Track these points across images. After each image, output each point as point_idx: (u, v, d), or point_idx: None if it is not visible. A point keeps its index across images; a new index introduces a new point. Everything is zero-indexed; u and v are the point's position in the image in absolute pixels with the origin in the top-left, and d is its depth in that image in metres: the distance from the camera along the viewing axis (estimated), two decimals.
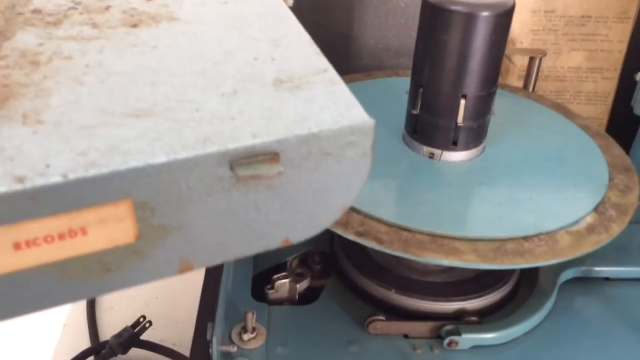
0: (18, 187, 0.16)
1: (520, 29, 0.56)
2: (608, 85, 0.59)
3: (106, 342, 0.56)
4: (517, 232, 0.36)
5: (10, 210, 0.17)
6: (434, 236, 0.36)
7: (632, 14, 0.56)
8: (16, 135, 0.18)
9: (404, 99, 0.44)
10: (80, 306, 0.63)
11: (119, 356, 0.57)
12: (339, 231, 0.36)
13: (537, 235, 0.36)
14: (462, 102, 0.40)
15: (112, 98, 0.20)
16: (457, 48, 0.39)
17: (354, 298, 0.44)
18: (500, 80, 0.52)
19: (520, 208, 0.38)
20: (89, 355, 0.57)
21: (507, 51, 0.56)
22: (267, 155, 0.19)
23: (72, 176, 0.17)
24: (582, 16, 0.56)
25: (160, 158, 0.18)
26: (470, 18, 0.38)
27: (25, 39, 0.25)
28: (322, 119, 0.20)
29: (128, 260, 0.19)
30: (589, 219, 0.38)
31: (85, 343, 0.59)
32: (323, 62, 0.24)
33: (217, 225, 0.19)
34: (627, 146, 0.52)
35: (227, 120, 0.19)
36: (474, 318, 0.42)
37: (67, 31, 0.26)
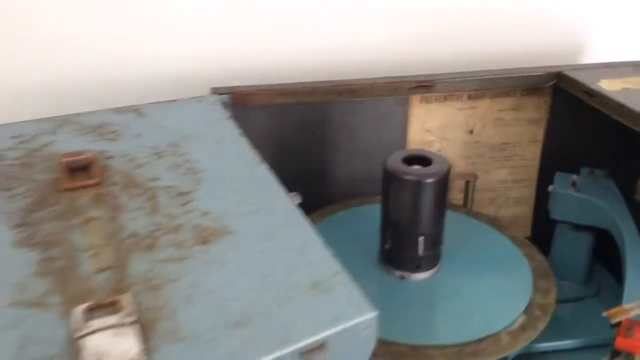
0: None
1: (456, 156, 0.72)
2: (529, 192, 0.75)
3: None
4: (472, 337, 0.50)
5: None
6: (413, 347, 0.49)
7: (540, 138, 0.72)
8: (175, 349, 0.31)
9: (375, 226, 0.58)
10: None
11: None
12: None
13: (487, 338, 0.50)
14: (421, 239, 0.55)
15: (216, 314, 0.33)
16: (412, 204, 0.53)
17: None
18: None
19: (472, 316, 0.52)
20: None
21: None
22: (319, 344, 0.32)
23: None
24: (502, 143, 0.72)
25: (265, 357, 0.31)
26: (419, 184, 0.53)
27: (138, 265, 0.38)
28: (349, 315, 0.33)
29: None
30: (521, 320, 0.52)
31: None
32: (337, 265, 0.37)
33: None
34: (549, 237, 0.68)
35: (291, 324, 0.33)
36: None
37: (163, 253, 0.38)
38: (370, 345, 0.35)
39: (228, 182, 0.47)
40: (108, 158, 0.49)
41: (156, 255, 0.39)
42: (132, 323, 0.32)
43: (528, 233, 0.77)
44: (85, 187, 0.45)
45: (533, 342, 0.60)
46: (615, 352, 0.49)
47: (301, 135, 0.68)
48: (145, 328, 0.33)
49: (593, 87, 0.63)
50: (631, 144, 0.69)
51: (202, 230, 0.41)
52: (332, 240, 0.62)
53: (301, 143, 0.68)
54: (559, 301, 0.67)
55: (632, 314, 0.48)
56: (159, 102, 0.59)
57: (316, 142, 0.69)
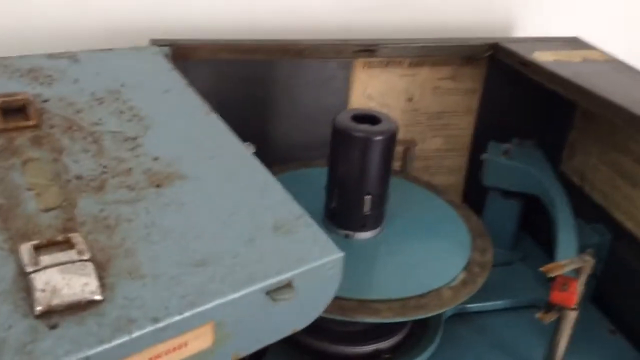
0: (154, 325, 0.28)
1: None
2: (461, 161, 0.77)
3: None
4: (415, 292, 0.51)
5: (148, 341, 0.28)
6: (360, 301, 0.50)
7: (475, 108, 0.75)
8: (133, 288, 0.29)
9: (318, 188, 0.58)
10: None
11: None
12: None
13: (429, 293, 0.51)
14: (367, 197, 0.55)
15: (178, 252, 0.32)
16: (359, 161, 0.54)
17: (295, 352, 0.56)
18: None
19: (415, 273, 0.54)
20: None
21: None
22: (286, 283, 0.31)
23: (185, 314, 0.28)
24: (439, 112, 0.74)
25: (228, 296, 0.30)
26: (367, 141, 0.53)
27: (88, 206, 0.35)
28: (313, 256, 0.33)
29: (206, 357, 0.30)
30: (462, 276, 0.54)
31: None
32: (298, 208, 0.37)
33: (258, 327, 0.31)
34: (479, 205, 0.70)
35: (257, 262, 0.32)
36: (387, 355, 0.56)
37: (114, 195, 0.36)
38: (335, 286, 0.35)
39: (177, 129, 0.45)
40: (44, 101, 0.46)
41: (107, 197, 0.36)
42: (85, 260, 0.30)
43: (459, 201, 0.79)
44: (21, 128, 0.42)
45: (465, 303, 0.63)
46: (549, 306, 0.52)
47: (242, 95, 0.67)
48: (100, 266, 0.31)
49: (528, 57, 0.65)
50: (560, 115, 0.73)
51: (155, 174, 0.39)
52: None
53: (241, 102, 0.67)
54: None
55: (567, 269, 0.50)
56: (94, 49, 0.56)
57: (257, 102, 0.68)
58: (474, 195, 0.74)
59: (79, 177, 0.38)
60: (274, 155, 0.70)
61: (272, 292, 0.31)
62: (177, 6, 0.69)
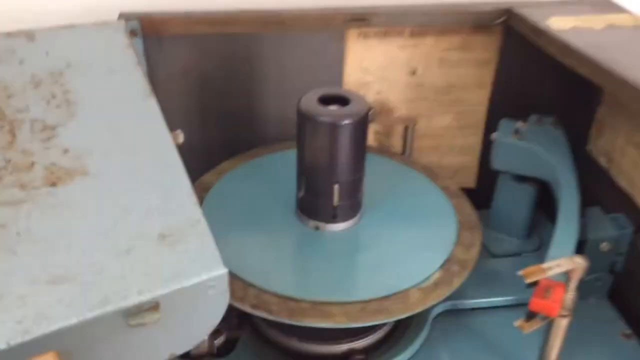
0: None
1: (397, 100, 0.66)
2: (475, 140, 0.70)
3: None
4: (378, 294, 0.46)
5: None
6: (313, 303, 0.45)
7: (489, 81, 0.67)
8: None
9: None
10: None
11: None
12: (237, 304, 0.45)
13: (394, 295, 0.46)
14: (336, 187, 0.50)
15: (38, 266, 0.29)
16: (327, 147, 0.48)
17: (265, 347, 0.53)
18: (385, 141, 0.63)
19: (383, 272, 0.48)
20: None
21: (387, 120, 0.67)
22: (151, 305, 0.28)
23: (13, 343, 0.25)
24: (447, 86, 0.67)
25: (72, 320, 0.26)
26: (333, 126, 0.47)
27: None
28: (192, 272, 0.29)
29: None
30: (436, 276, 0.48)
31: None
32: (197, 213, 0.33)
33: (120, 355, 0.28)
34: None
35: (120, 279, 0.28)
36: (359, 356, 0.52)
37: (2, 194, 0.34)
38: (221, 307, 0.30)
39: (105, 116, 0.42)
40: None
41: None
42: None
43: (473, 184, 0.72)
44: None
45: (461, 298, 0.57)
46: (532, 314, 0.46)
47: (226, 72, 0.63)
48: None
49: (540, 24, 0.57)
50: (586, 89, 0.64)
51: (56, 170, 0.36)
52: (251, 185, 0.58)
53: (225, 80, 0.63)
54: (496, 256, 0.64)
55: (550, 273, 0.44)
56: (54, 27, 0.53)
57: (243, 79, 0.63)
58: (489, 178, 0.67)
59: None
60: (265, 135, 0.66)
61: (134, 315, 0.27)
62: None
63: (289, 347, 0.52)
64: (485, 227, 0.64)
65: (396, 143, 0.69)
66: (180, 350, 0.30)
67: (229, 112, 0.65)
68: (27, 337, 0.25)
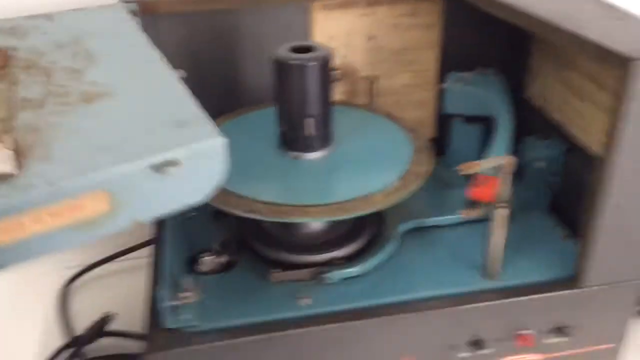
0: (49, 188, 0.35)
1: (361, 62, 0.78)
2: (428, 95, 0.81)
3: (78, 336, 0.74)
4: (347, 197, 0.57)
5: (45, 199, 0.35)
6: (296, 206, 0.56)
7: (436, 43, 0.79)
8: (42, 167, 0.37)
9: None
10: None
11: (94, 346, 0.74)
12: (234, 210, 0.56)
13: (362, 197, 0.57)
14: (309, 120, 0.61)
15: (87, 145, 0.39)
16: (298, 87, 0.60)
17: (260, 263, 0.63)
18: (352, 99, 0.74)
19: (352, 184, 0.59)
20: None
21: (353, 80, 0.78)
22: (173, 162, 0.38)
23: (74, 181, 0.36)
24: (402, 48, 0.78)
25: (118, 167, 0.37)
26: (302, 67, 0.59)
27: (26, 119, 0.43)
28: (199, 139, 0.40)
29: (107, 220, 0.38)
30: (396, 184, 0.59)
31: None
32: (200, 113, 0.43)
33: (151, 198, 0.39)
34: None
35: (148, 144, 0.39)
36: (339, 261, 0.62)
37: (49, 109, 0.44)
38: (220, 169, 0.41)
39: (121, 61, 0.53)
40: (15, 50, 0.55)
41: (43, 111, 0.44)
42: (8, 150, 0.38)
43: (433, 134, 0.83)
44: None
45: (423, 217, 0.68)
46: (472, 202, 0.56)
47: (214, 46, 0.74)
48: (21, 155, 0.39)
49: None
50: (520, 42, 0.76)
51: (87, 93, 0.47)
52: (237, 134, 0.69)
53: (213, 53, 0.74)
54: (450, 186, 0.75)
55: (483, 166, 0.55)
56: (67, 10, 0.64)
57: (228, 52, 0.75)
58: (445, 128, 0.78)
59: (25, 100, 0.46)
60: (247, 99, 0.77)
61: (161, 167, 0.38)
62: None
63: (278, 259, 0.62)
64: (444, 165, 0.75)
65: (362, 101, 0.80)
66: (192, 200, 0.40)
67: (215, 81, 0.76)
68: (84, 177, 0.36)
